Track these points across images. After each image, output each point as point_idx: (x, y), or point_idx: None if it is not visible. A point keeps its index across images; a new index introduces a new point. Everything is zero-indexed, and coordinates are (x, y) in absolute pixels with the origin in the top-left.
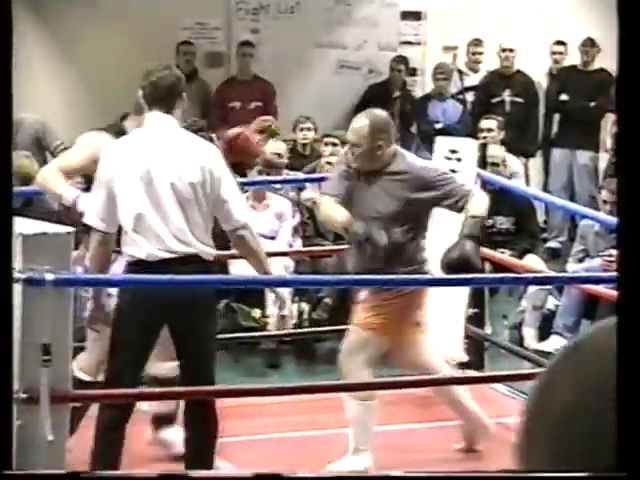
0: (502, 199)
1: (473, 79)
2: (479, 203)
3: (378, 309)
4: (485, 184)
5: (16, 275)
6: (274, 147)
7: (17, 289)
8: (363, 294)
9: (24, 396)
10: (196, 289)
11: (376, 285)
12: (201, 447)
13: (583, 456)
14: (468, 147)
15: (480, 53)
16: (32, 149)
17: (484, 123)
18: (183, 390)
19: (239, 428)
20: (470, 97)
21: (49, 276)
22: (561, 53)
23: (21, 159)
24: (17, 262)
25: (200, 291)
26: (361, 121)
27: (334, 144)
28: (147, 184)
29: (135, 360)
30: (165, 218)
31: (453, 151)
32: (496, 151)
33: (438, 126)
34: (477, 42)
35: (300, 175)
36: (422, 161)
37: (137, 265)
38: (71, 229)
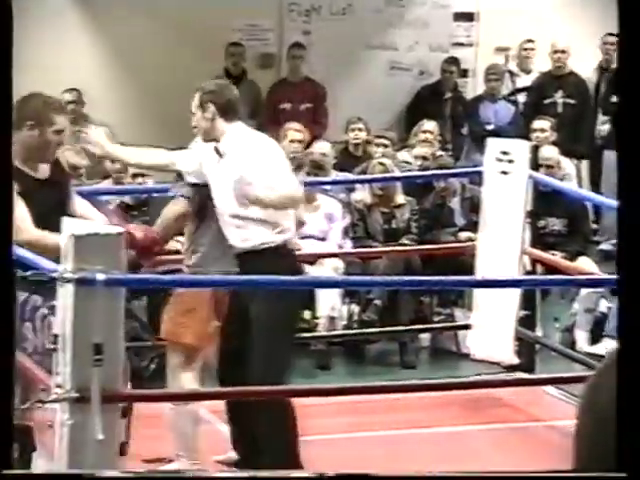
0: (555, 201)
1: (525, 80)
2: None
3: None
4: (538, 185)
5: (68, 275)
6: (319, 147)
7: (69, 289)
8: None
9: (75, 395)
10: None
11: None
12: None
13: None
14: (520, 149)
15: (532, 52)
16: None
17: (537, 123)
18: (231, 391)
19: None
20: (522, 98)
21: (100, 276)
22: (612, 44)
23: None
24: (69, 262)
25: None
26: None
27: (385, 145)
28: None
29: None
30: None
31: (505, 152)
32: (550, 152)
33: (489, 127)
34: (529, 43)
35: (350, 176)
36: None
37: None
38: (122, 229)
